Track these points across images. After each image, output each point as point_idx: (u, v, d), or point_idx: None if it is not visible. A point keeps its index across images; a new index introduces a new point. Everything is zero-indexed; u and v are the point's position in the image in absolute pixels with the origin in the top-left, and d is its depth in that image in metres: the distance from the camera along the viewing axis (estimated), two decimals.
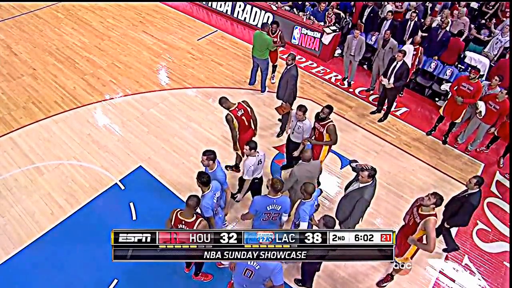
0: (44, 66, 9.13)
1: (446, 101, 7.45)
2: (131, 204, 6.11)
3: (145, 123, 7.64)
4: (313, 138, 6.04)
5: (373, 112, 8.26)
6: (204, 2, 12.07)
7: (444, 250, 5.82)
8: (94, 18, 11.26)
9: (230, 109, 5.81)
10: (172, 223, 4.24)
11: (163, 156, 6.94)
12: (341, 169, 6.98)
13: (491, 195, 6.80)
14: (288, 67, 6.94)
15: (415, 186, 6.75)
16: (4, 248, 5.47)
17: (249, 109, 5.95)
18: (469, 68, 8.25)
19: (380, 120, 8.07)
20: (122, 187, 6.40)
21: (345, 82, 9.09)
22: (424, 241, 4.44)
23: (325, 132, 5.77)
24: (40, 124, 7.50)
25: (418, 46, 7.99)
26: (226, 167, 6.59)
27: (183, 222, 4.17)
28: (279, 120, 7.78)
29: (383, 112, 8.10)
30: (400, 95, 8.62)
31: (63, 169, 6.67)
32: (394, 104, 8.11)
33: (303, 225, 4.64)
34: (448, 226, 5.49)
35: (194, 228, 4.11)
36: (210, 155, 4.80)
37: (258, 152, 5.19)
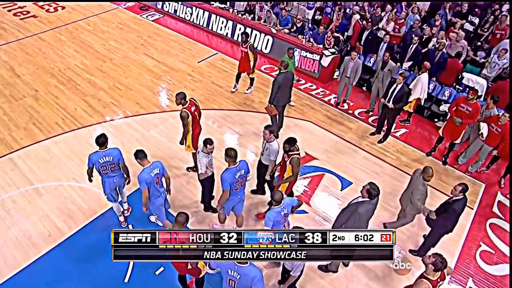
0: (46, 88, 9.22)
1: (445, 122, 7.49)
2: (130, 227, 6.06)
3: (145, 145, 7.64)
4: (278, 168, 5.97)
5: (372, 134, 8.28)
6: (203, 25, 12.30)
7: (410, 251, 5.90)
8: (96, 41, 11.44)
9: (184, 106, 6.13)
10: None
11: None
12: (341, 190, 6.94)
13: (493, 216, 6.73)
14: (279, 72, 7.35)
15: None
16: (0, 271, 5.38)
17: (198, 105, 6.37)
18: (467, 89, 8.32)
19: (380, 141, 8.08)
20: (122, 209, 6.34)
21: (344, 105, 9.15)
22: None
23: (288, 163, 5.52)
24: (40, 145, 7.51)
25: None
26: (187, 168, 7.06)
27: None
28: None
29: (382, 133, 8.11)
30: (407, 123, 8.66)
31: (62, 190, 6.64)
32: (394, 125, 8.15)
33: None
34: (437, 236, 5.51)
35: None
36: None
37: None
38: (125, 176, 5.78)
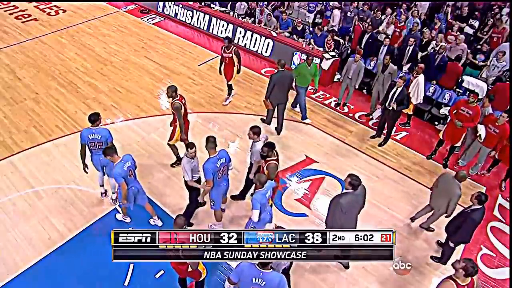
0: (47, 91, 9.23)
1: (446, 125, 7.49)
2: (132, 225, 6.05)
3: (146, 148, 7.65)
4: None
5: (373, 137, 8.27)
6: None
7: (432, 257, 5.89)
8: (97, 44, 11.46)
9: (176, 99, 6.46)
10: None
11: (163, 181, 6.91)
12: None
13: (494, 219, 6.72)
14: (277, 71, 7.63)
15: (417, 211, 6.67)
16: None
17: (184, 100, 6.67)
18: (467, 92, 8.33)
19: (380, 145, 8.08)
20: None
21: (345, 108, 9.15)
22: None
23: (265, 169, 5.47)
24: (41, 148, 7.51)
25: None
26: (171, 165, 7.25)
27: None
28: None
29: (383, 136, 8.11)
30: (407, 126, 8.65)
31: (62, 193, 6.64)
32: (394, 128, 8.15)
33: (255, 213, 4.83)
34: (453, 245, 5.47)
35: None
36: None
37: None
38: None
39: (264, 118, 8.42)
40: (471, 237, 5.29)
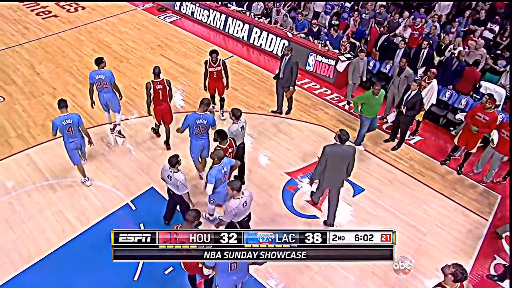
0: (64, 86, 9.40)
1: (461, 131, 7.37)
2: (141, 225, 6.12)
3: (159, 145, 7.73)
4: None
5: (386, 140, 8.19)
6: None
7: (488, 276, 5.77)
8: (114, 41, 11.61)
9: (152, 80, 6.92)
10: None
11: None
12: (353, 197, 6.89)
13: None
14: (287, 57, 7.93)
15: (429, 216, 6.61)
16: (14, 263, 5.50)
17: (168, 88, 7.02)
18: (485, 97, 8.17)
19: (394, 149, 8.00)
20: (134, 208, 6.42)
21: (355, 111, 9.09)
22: None
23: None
24: (56, 142, 7.62)
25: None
26: (152, 128, 7.97)
27: None
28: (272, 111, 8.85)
29: (396, 140, 8.03)
30: (415, 134, 8.46)
31: (76, 187, 6.76)
32: (408, 133, 8.06)
33: (209, 186, 5.27)
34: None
35: None
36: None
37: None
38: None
39: (275, 110, 8.79)
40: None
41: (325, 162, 5.67)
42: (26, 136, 7.82)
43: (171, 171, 5.34)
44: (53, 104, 8.64)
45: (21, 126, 8.06)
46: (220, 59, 7.87)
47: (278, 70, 8.41)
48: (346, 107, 9.25)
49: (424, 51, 8.93)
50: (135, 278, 5.38)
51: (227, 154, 5.67)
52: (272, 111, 8.86)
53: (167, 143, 7.61)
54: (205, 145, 6.53)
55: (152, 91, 6.94)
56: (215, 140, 5.84)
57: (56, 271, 5.41)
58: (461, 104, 8.52)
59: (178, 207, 5.92)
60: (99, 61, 7.14)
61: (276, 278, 5.51)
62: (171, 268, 5.44)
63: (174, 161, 5.31)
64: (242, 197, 4.85)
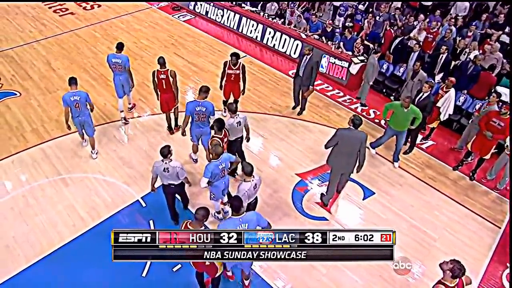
0: (78, 82, 9.48)
1: (475, 136, 7.27)
2: (151, 222, 6.17)
3: (170, 142, 7.75)
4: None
5: None
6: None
7: None
8: (129, 39, 11.72)
9: (157, 69, 7.26)
10: None
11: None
12: (363, 200, 6.85)
13: None
14: (308, 57, 7.98)
15: (439, 222, 6.53)
16: (26, 255, 5.60)
17: (171, 79, 7.32)
18: (500, 103, 8.04)
19: (406, 153, 7.92)
20: (144, 204, 6.48)
21: (371, 113, 9.03)
22: None
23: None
24: (70, 137, 7.76)
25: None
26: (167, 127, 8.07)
27: None
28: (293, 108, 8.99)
29: (408, 144, 7.95)
30: (427, 139, 8.37)
31: (88, 182, 6.84)
32: (420, 137, 7.98)
33: (203, 179, 5.32)
34: None
35: None
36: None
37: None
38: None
39: (294, 106, 8.97)
40: None
41: (334, 142, 5.98)
42: (41, 130, 7.95)
43: (165, 163, 5.42)
44: None
45: (36, 121, 8.20)
46: (240, 63, 7.75)
47: (296, 69, 8.44)
48: (359, 109, 9.19)
49: (442, 56, 8.81)
50: (143, 274, 5.43)
51: (223, 144, 5.87)
52: (293, 108, 8.97)
53: (170, 127, 7.98)
54: (204, 133, 6.74)
55: (156, 79, 7.31)
56: (211, 127, 6.13)
57: (67, 265, 5.49)
58: (475, 109, 8.39)
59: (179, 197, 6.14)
60: (121, 47, 7.54)
61: (284, 279, 5.51)
62: (179, 266, 5.47)
63: (166, 152, 5.39)
64: (253, 180, 5.10)
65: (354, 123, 5.82)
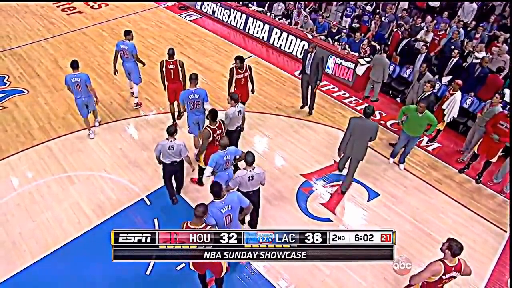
0: None
1: (482, 139, 7.22)
2: (155, 220, 6.19)
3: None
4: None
5: None
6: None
7: None
8: (135, 38, 11.59)
9: (166, 59, 7.51)
10: None
11: (191, 175, 7.01)
12: (368, 201, 6.82)
13: None
14: (313, 54, 8.04)
15: (444, 224, 6.49)
16: (32, 251, 5.64)
17: (179, 68, 7.60)
18: (508, 106, 7.98)
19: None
20: (148, 203, 6.51)
21: (377, 114, 8.99)
22: None
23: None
24: (76, 135, 7.81)
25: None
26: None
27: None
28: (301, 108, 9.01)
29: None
30: (434, 141, 8.33)
31: (93, 180, 6.88)
32: (425, 139, 7.95)
33: (207, 169, 5.40)
34: None
35: None
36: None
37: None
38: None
39: (302, 105, 9.01)
40: None
41: (349, 134, 6.27)
42: (47, 128, 8.01)
43: (171, 141, 5.70)
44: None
45: (43, 118, 8.27)
46: (246, 65, 7.57)
47: (302, 67, 8.46)
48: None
49: (453, 60, 8.75)
50: (147, 272, 5.45)
51: (214, 135, 5.92)
52: (301, 108, 9.00)
53: (174, 119, 8.12)
54: (200, 120, 6.93)
55: (164, 69, 7.49)
56: (206, 117, 6.21)
57: (72, 261, 5.52)
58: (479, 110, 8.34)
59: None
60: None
61: (287, 279, 5.51)
62: (182, 265, 5.48)
63: (172, 130, 5.71)
64: (250, 171, 5.12)
65: (366, 112, 6.08)
